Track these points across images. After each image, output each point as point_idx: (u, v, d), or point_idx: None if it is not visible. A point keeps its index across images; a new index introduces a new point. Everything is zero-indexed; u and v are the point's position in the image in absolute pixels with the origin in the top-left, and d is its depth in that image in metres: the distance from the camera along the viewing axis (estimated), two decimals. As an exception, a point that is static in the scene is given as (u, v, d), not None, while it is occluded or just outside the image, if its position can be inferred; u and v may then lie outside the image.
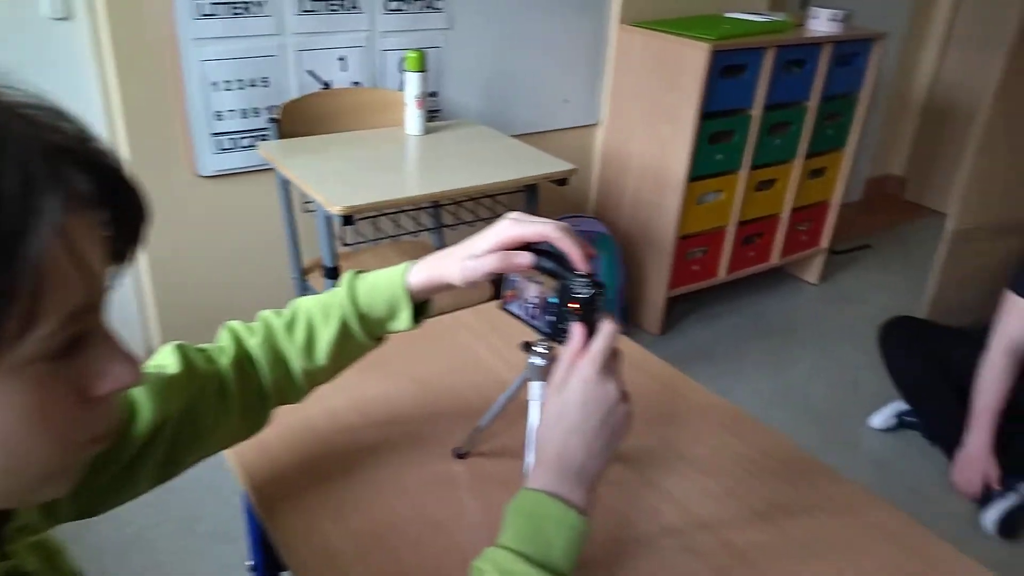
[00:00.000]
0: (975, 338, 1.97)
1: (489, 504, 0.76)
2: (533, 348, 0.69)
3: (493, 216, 2.01)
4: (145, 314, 2.09)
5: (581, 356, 0.60)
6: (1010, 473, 1.86)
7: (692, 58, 2.21)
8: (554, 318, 0.64)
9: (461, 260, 0.67)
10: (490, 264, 0.65)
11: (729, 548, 0.73)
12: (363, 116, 2.05)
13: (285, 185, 1.91)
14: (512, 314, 0.68)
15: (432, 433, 0.87)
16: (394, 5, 2.09)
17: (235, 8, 1.87)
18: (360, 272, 0.73)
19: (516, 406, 0.79)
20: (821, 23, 2.45)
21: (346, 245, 1.85)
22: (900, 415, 2.17)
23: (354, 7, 2.04)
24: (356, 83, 2.13)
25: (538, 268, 0.64)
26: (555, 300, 0.64)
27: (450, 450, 0.83)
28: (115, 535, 1.68)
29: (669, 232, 2.45)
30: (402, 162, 1.86)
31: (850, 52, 2.54)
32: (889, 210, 3.77)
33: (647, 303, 2.62)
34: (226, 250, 2.09)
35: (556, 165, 1.86)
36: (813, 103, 2.54)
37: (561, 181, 1.87)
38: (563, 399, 0.59)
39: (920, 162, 3.79)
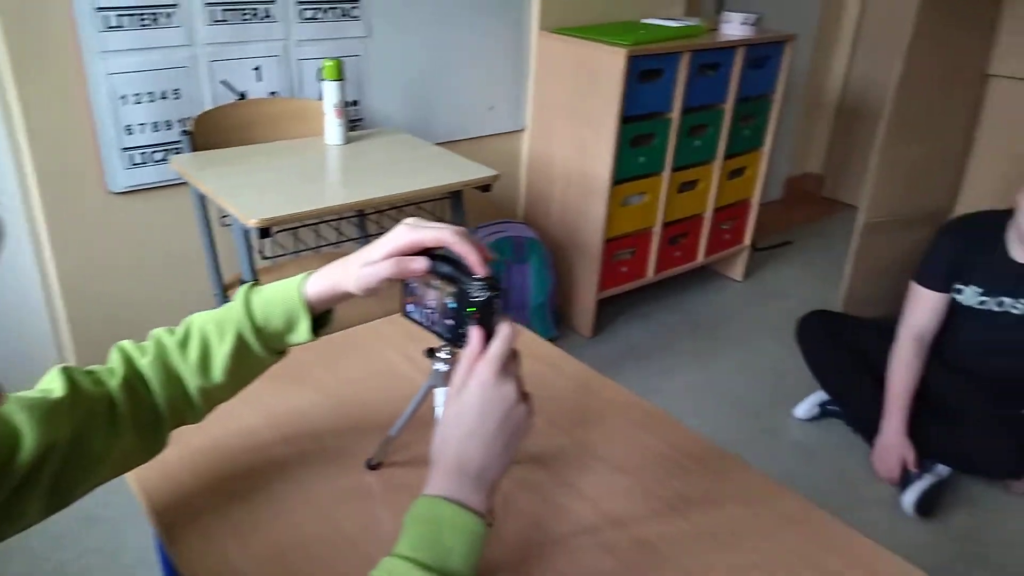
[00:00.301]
0: (888, 328, 2.05)
1: (402, 515, 0.75)
2: (436, 354, 0.69)
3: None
4: (59, 335, 2.00)
5: (479, 359, 0.60)
6: (926, 455, 1.94)
7: (610, 63, 2.25)
8: (453, 323, 0.64)
9: (357, 268, 0.66)
10: (385, 270, 0.64)
11: (641, 543, 0.74)
12: (281, 126, 2.02)
13: (201, 199, 1.86)
14: (413, 320, 0.68)
15: (345, 445, 0.85)
16: (309, 14, 2.06)
17: (143, 19, 1.82)
18: (256, 285, 0.71)
19: (429, 413, 0.79)
20: (734, 27, 2.52)
21: (266, 259, 1.81)
22: (822, 404, 2.25)
23: (267, 16, 2.00)
24: (273, 93, 2.09)
25: (435, 273, 0.64)
26: (454, 305, 0.63)
27: (363, 462, 0.82)
28: (33, 570, 1.60)
29: (596, 235, 2.49)
30: (322, 172, 1.83)
31: (762, 55, 2.63)
32: (808, 206, 3.91)
33: (578, 306, 2.65)
34: (144, 267, 2.02)
35: (479, 171, 1.86)
36: (729, 105, 2.61)
37: (485, 187, 1.87)
38: (461, 403, 0.58)
39: (836, 159, 3.95)
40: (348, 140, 1.98)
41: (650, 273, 2.75)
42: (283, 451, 0.85)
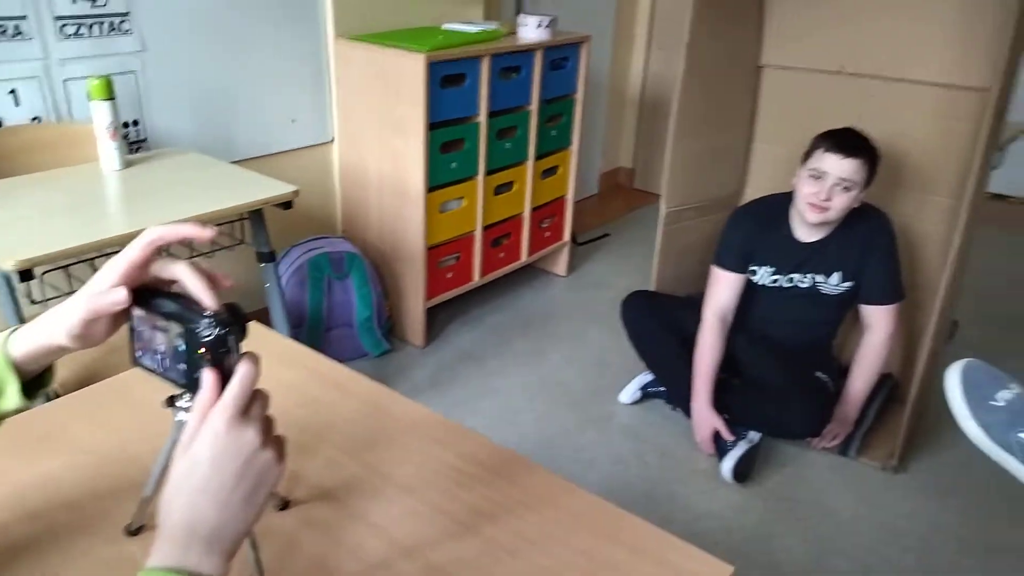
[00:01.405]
0: (700, 302, 2.18)
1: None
2: (176, 404, 0.62)
3: (223, 248, 1.87)
4: None
5: (213, 406, 0.54)
6: (739, 423, 2.08)
7: (411, 69, 2.23)
8: (186, 366, 0.58)
9: (76, 309, 0.58)
10: (78, 312, 0.57)
11: (431, 570, 0.71)
12: (48, 155, 1.82)
13: (-49, 242, 1.63)
14: (145, 368, 0.61)
15: (102, 512, 0.76)
16: (72, 30, 1.87)
17: None
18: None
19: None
20: (530, 30, 2.58)
21: (35, 303, 1.61)
22: (643, 388, 2.35)
23: (19, 33, 1.79)
24: (36, 118, 1.88)
25: (157, 312, 0.58)
26: (183, 347, 0.57)
27: (122, 529, 0.74)
28: None
29: (418, 243, 2.46)
30: (96, 201, 1.66)
31: (561, 56, 2.71)
32: (622, 199, 4.10)
33: (408, 316, 2.61)
34: None
35: (277, 188, 1.77)
36: (534, 107, 2.67)
37: (286, 204, 1.79)
38: (191, 457, 0.53)
39: (643, 152, 4.17)
40: (128, 164, 1.82)
41: (476, 276, 2.76)
42: (27, 530, 0.74)
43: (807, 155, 1.96)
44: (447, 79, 2.32)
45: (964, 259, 1.96)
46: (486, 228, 2.70)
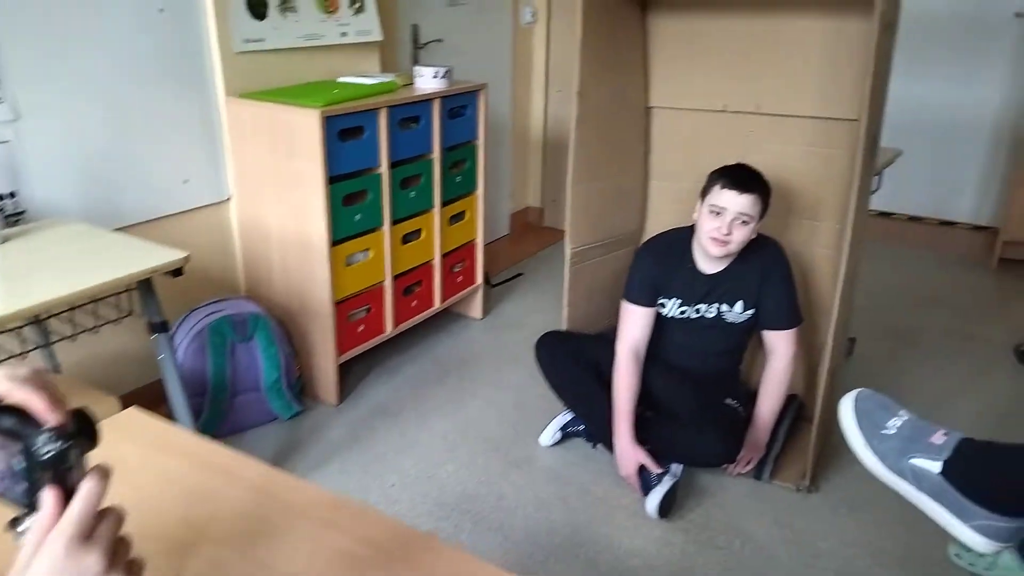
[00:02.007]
0: (613, 338, 2.20)
1: None
2: (18, 527, 0.57)
3: (110, 322, 1.78)
4: None
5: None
6: (656, 456, 2.10)
7: (305, 125, 2.20)
8: (27, 485, 0.53)
9: None
10: None
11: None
12: (-91, 234, 1.69)
13: None
14: (-17, 490, 0.55)
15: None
16: (-68, 99, 1.77)
17: None
18: None
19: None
20: (427, 81, 2.60)
21: None
22: (563, 428, 2.35)
23: None
24: None
25: (-9, 431, 0.53)
26: (22, 465, 0.53)
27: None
28: None
29: (325, 299, 2.40)
30: (-36, 283, 1.55)
31: (459, 104, 2.74)
32: (533, 238, 4.15)
33: (319, 373, 2.53)
34: None
35: (166, 255, 1.70)
36: (436, 155, 2.68)
37: (176, 271, 1.72)
38: (26, 589, 0.48)
39: (550, 191, 4.24)
40: (3, 240, 1.72)
41: (389, 327, 2.71)
42: None
43: (705, 191, 2.03)
44: (345, 132, 2.30)
45: (853, 279, 2.06)
46: (396, 277, 2.67)
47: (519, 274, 3.68)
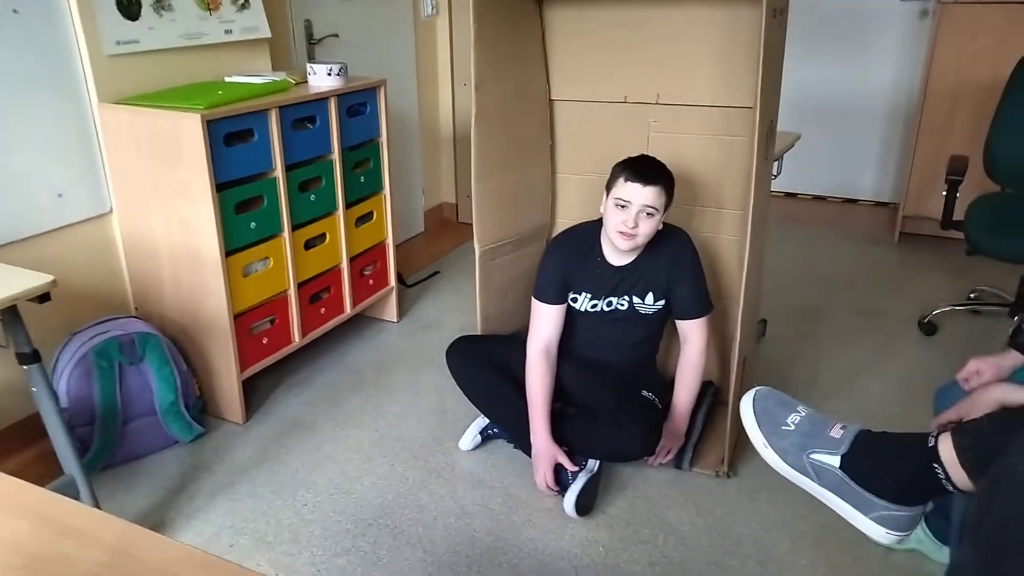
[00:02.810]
0: (525, 339, 2.16)
1: None
2: None
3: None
4: None
5: None
6: (576, 453, 2.07)
7: (188, 130, 2.06)
8: None
9: None
10: None
11: None
12: None
13: None
14: None
15: None
16: None
17: None
18: None
19: None
20: (321, 79, 2.48)
21: None
22: (483, 431, 2.29)
23: None
24: None
25: None
26: None
27: None
28: None
29: (222, 313, 2.26)
30: None
31: (358, 102, 2.63)
32: (450, 235, 4.06)
33: (222, 391, 2.40)
34: None
35: (29, 280, 1.55)
36: (336, 155, 2.57)
37: (42, 297, 1.57)
38: None
39: (464, 186, 4.17)
40: None
41: (297, 337, 2.59)
42: None
43: (609, 184, 2.00)
44: (232, 136, 2.17)
45: (759, 265, 2.07)
46: (301, 285, 2.55)
47: (436, 272, 3.60)
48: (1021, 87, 2.81)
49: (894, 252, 3.86)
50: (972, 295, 3.24)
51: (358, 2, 3.34)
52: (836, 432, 1.04)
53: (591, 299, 2.12)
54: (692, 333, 2.12)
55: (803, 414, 1.06)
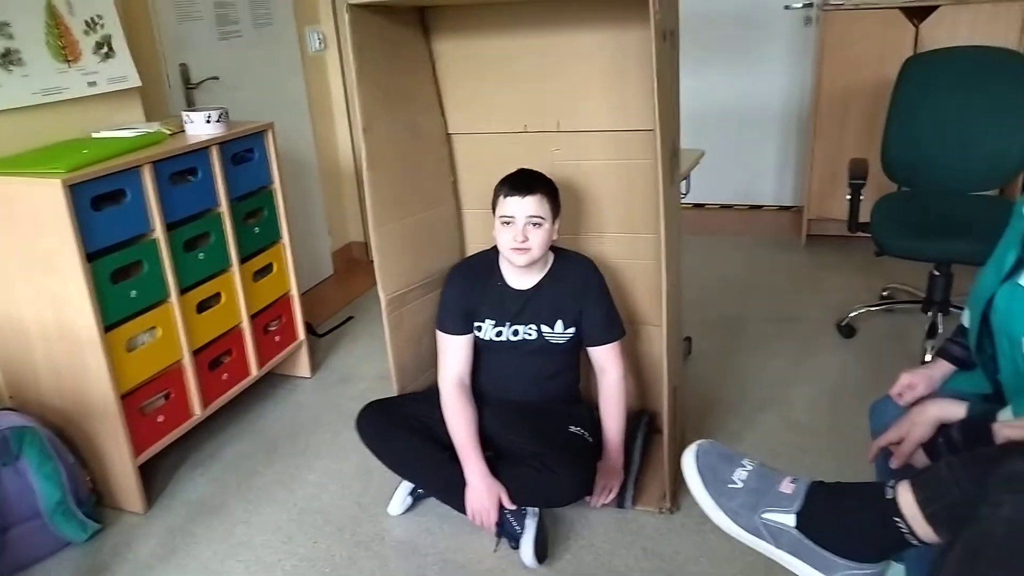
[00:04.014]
0: (435, 393, 2.03)
1: None
2: None
3: None
4: None
5: None
6: (514, 501, 1.92)
7: (48, 198, 1.84)
8: None
9: None
10: None
11: None
12: None
13: None
14: None
15: None
16: None
17: None
18: None
19: None
20: (199, 127, 2.30)
21: None
22: (412, 491, 2.14)
23: None
24: None
25: None
26: None
27: None
28: None
29: (107, 394, 2.04)
30: None
31: (244, 149, 2.45)
32: (361, 276, 3.88)
33: (116, 480, 2.16)
34: None
35: None
36: (224, 207, 2.38)
37: None
38: None
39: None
40: None
41: (198, 410, 2.37)
42: None
43: (493, 205, 1.98)
44: (101, 198, 1.96)
45: (677, 289, 2.01)
46: (196, 352, 2.34)
47: (350, 318, 3.42)
48: (908, 89, 2.89)
49: (803, 255, 3.92)
50: (885, 293, 3.31)
51: (236, 41, 3.15)
52: (787, 487, 0.96)
53: (495, 325, 2.03)
54: (606, 361, 2.05)
55: (749, 468, 0.98)
